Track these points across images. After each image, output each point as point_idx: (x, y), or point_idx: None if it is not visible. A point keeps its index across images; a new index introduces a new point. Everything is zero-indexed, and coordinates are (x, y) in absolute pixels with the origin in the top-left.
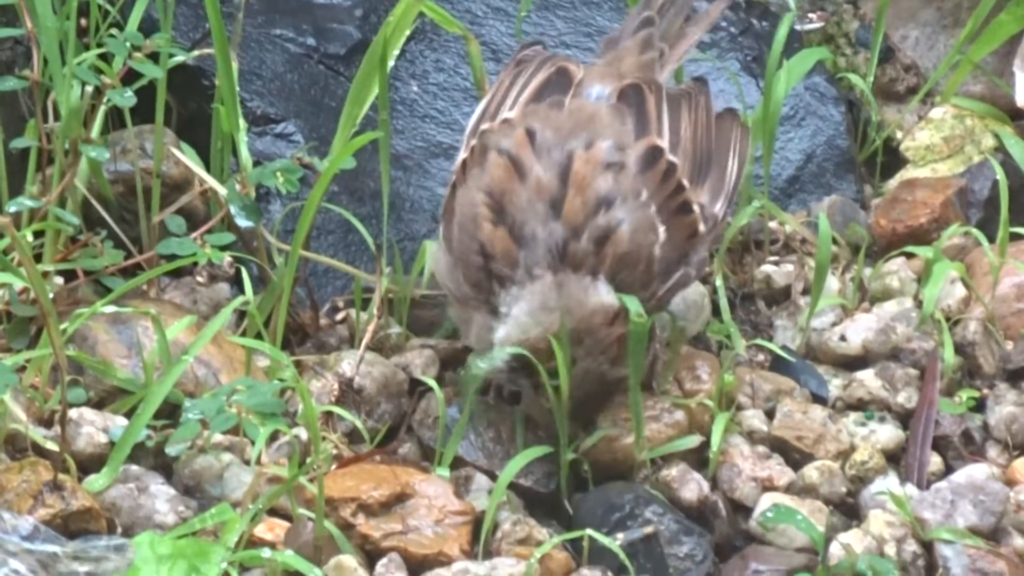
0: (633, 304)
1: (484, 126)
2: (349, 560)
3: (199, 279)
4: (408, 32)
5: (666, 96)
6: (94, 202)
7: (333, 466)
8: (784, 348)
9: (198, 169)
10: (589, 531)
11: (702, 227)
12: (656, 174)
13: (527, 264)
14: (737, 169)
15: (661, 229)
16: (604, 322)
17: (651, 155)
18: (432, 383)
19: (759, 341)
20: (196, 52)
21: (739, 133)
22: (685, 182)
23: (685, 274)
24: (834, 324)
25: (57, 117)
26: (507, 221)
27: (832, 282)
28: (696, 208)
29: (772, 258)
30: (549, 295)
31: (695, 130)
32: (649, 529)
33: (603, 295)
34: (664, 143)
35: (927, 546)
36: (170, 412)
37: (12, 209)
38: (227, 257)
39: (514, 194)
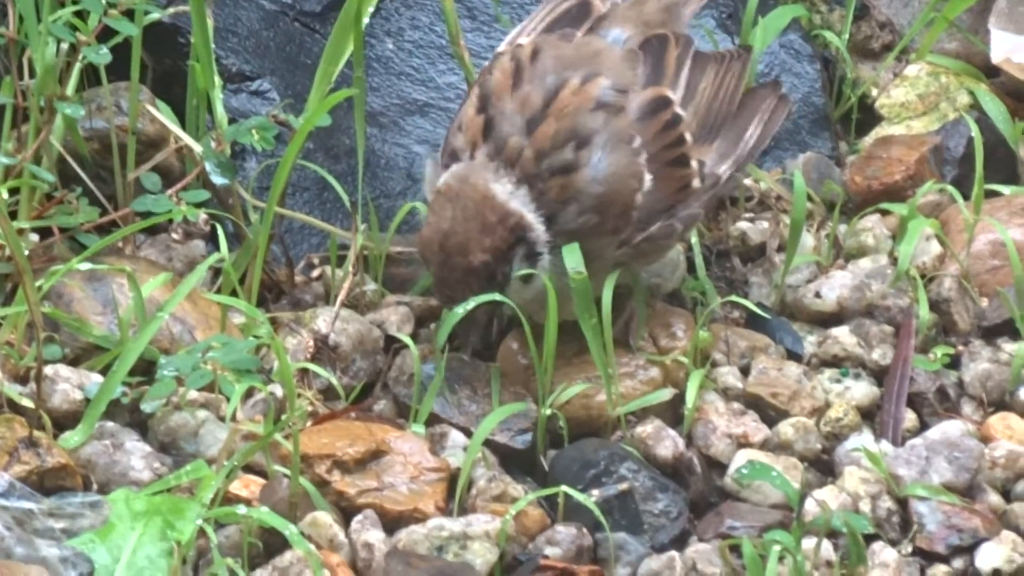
0: (572, 257)
1: (500, 49)
2: (324, 517)
3: (174, 236)
4: None
5: (693, 52)
6: (69, 159)
7: (308, 423)
8: (759, 305)
9: (173, 126)
10: (564, 488)
11: (696, 183)
12: (656, 123)
13: (473, 151)
14: (758, 136)
15: (647, 177)
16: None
17: (656, 104)
18: (407, 340)
19: (734, 298)
20: (171, 9)
21: (774, 104)
22: (688, 136)
23: (668, 226)
24: (809, 281)
25: (32, 74)
26: (487, 113)
27: (807, 239)
28: (694, 163)
29: (747, 215)
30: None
31: (716, 90)
32: (624, 486)
33: (497, 194)
34: (674, 95)
35: (902, 502)
36: (145, 369)
37: None
38: (202, 214)
39: (503, 98)
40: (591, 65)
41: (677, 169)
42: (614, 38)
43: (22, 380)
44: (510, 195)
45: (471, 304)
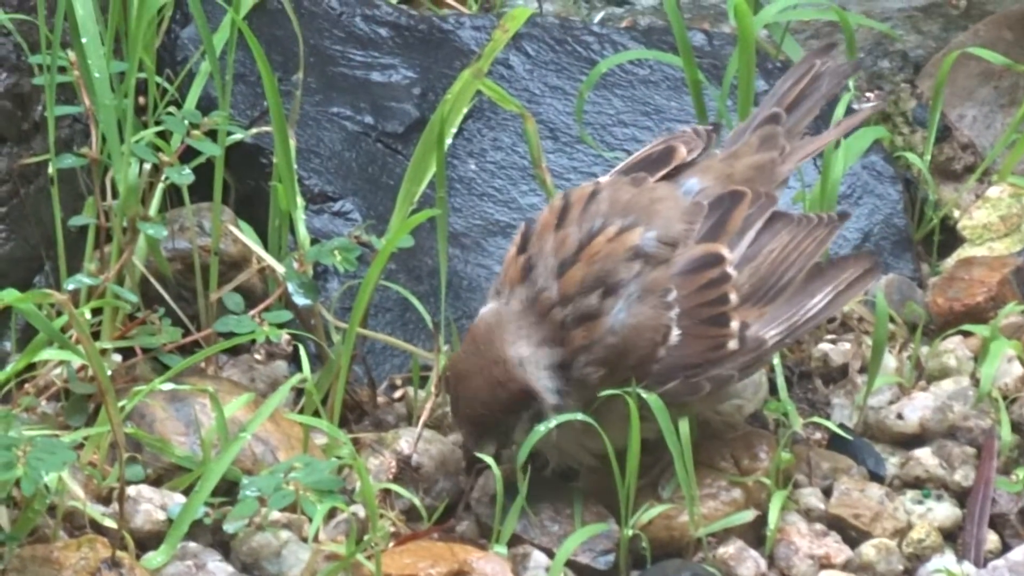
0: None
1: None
2: None
3: (257, 357)
4: (466, 110)
5: (772, 212)
6: (152, 279)
7: (391, 543)
8: (841, 426)
9: (256, 247)
10: None
11: (733, 344)
12: (701, 279)
13: (510, 294)
14: (823, 306)
15: (675, 332)
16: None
17: (704, 260)
18: (489, 460)
19: (816, 419)
20: (254, 130)
21: (857, 275)
22: (733, 296)
23: (694, 384)
24: (891, 402)
25: (115, 195)
26: (527, 253)
27: (889, 360)
28: (734, 324)
29: (829, 336)
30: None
31: (788, 254)
32: None
33: (510, 358)
34: (729, 254)
35: None
36: (228, 489)
37: (70, 287)
38: (285, 335)
39: (545, 237)
40: (642, 213)
41: (712, 328)
42: (688, 188)
43: (105, 500)
44: (525, 360)
45: (553, 423)
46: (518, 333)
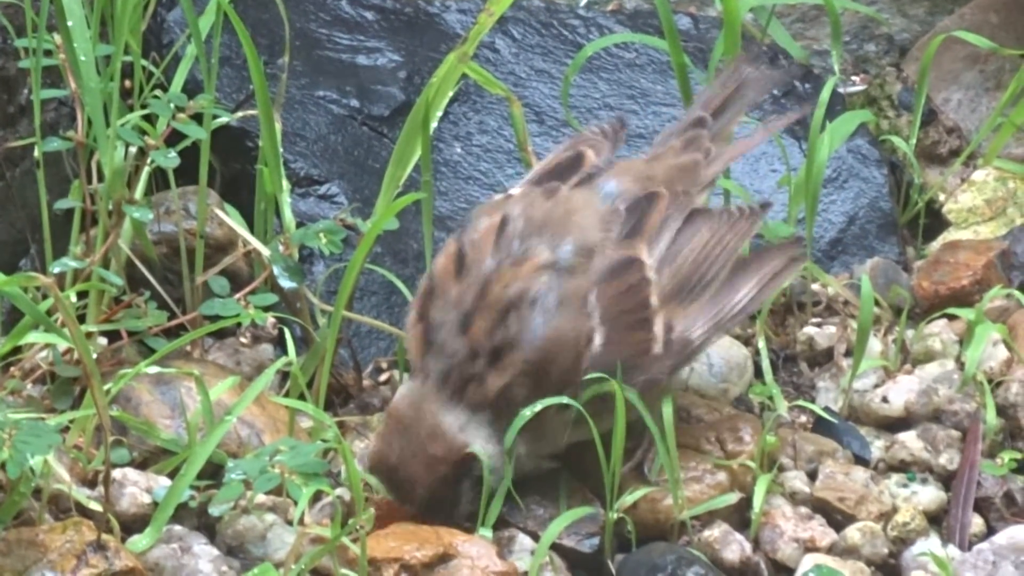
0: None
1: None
2: None
3: (242, 340)
4: (451, 94)
5: (690, 210)
6: (138, 263)
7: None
8: (826, 409)
9: (241, 230)
10: None
11: (657, 348)
12: (620, 284)
13: (422, 369)
14: (748, 300)
15: (598, 339)
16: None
17: (623, 266)
18: (477, 448)
19: (801, 402)
20: (240, 113)
21: (780, 267)
22: (654, 300)
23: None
24: (876, 386)
25: (101, 178)
26: (426, 320)
27: (874, 344)
28: (657, 328)
29: (815, 320)
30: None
31: (707, 249)
32: None
33: (451, 432)
34: (648, 258)
35: None
36: (213, 472)
37: (56, 270)
38: (270, 318)
39: (446, 290)
40: (559, 228)
41: (636, 332)
42: (607, 191)
43: (90, 483)
44: (464, 425)
45: (538, 407)
46: (447, 404)
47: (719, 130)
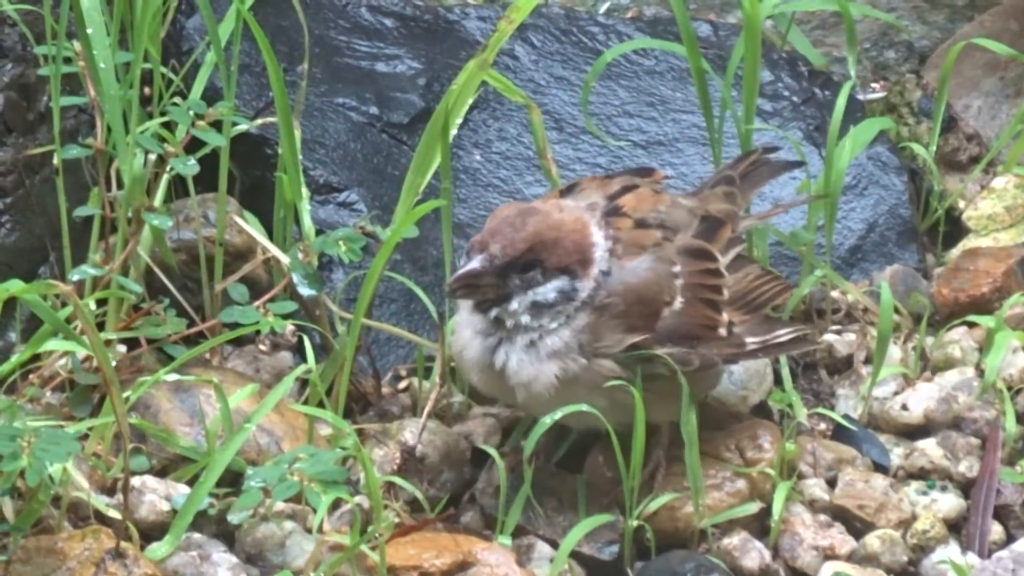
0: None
1: None
2: None
3: (262, 347)
4: (471, 101)
5: (738, 252)
6: (157, 270)
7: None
8: (846, 417)
9: (261, 238)
10: None
11: (723, 331)
12: (699, 264)
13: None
14: (785, 342)
15: (679, 299)
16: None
17: (702, 251)
18: (493, 452)
19: (821, 410)
20: (259, 121)
21: (796, 336)
22: (726, 292)
23: (686, 354)
24: (896, 393)
25: (120, 185)
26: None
27: (894, 351)
28: (725, 315)
29: (834, 327)
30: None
31: (760, 283)
32: None
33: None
34: (720, 258)
35: None
36: (232, 480)
37: (75, 277)
38: (289, 325)
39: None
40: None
41: (708, 309)
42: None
43: (109, 491)
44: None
45: (558, 414)
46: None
47: (742, 194)
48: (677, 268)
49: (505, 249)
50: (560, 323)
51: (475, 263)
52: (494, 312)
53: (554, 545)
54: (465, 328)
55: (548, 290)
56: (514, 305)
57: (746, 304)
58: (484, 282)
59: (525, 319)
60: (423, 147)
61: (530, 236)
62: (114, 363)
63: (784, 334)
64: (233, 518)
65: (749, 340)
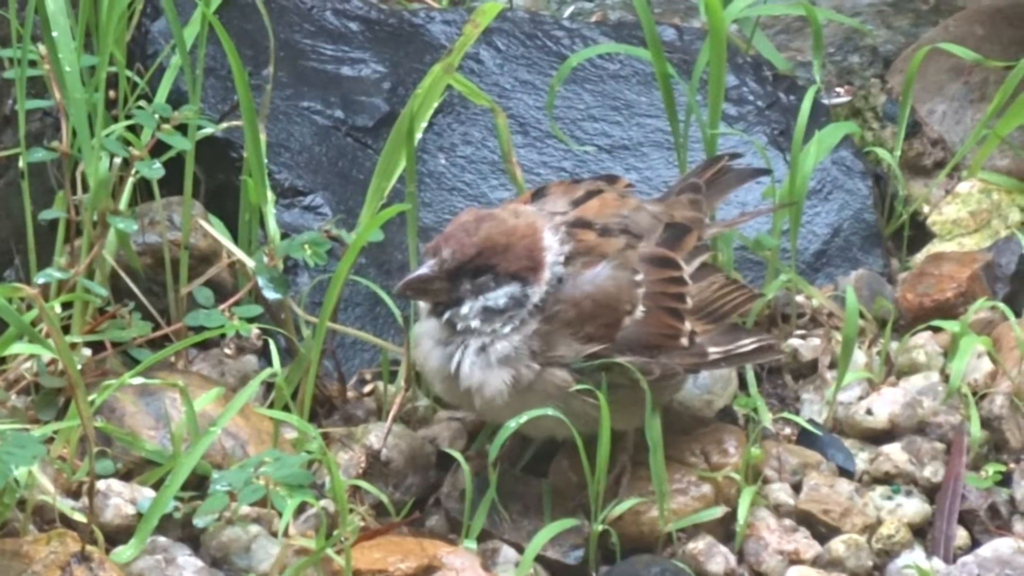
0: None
1: None
2: None
3: (227, 351)
4: (436, 105)
5: (703, 260)
6: (122, 274)
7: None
8: (811, 422)
9: (226, 241)
10: None
11: (684, 340)
12: (662, 272)
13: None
14: (750, 351)
15: (640, 308)
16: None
17: (665, 260)
18: (458, 456)
19: (786, 414)
20: (224, 124)
21: (764, 345)
22: (688, 301)
23: (645, 363)
24: (861, 398)
25: (85, 188)
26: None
27: (859, 356)
28: (687, 326)
29: (799, 332)
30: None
31: (725, 291)
32: None
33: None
34: (685, 266)
35: None
36: (198, 484)
37: (40, 280)
38: (255, 329)
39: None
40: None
41: (670, 317)
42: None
43: (74, 495)
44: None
45: (523, 418)
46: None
47: (708, 200)
48: (639, 276)
49: (455, 254)
50: (512, 328)
51: (424, 268)
52: (447, 314)
53: (519, 549)
54: (426, 338)
55: (499, 295)
56: (465, 309)
57: (711, 313)
58: (435, 286)
59: (475, 323)
60: (388, 151)
61: (480, 241)
62: (79, 366)
63: (748, 344)
64: (199, 522)
65: (712, 350)
